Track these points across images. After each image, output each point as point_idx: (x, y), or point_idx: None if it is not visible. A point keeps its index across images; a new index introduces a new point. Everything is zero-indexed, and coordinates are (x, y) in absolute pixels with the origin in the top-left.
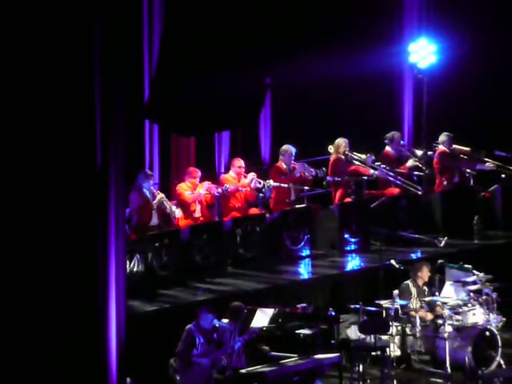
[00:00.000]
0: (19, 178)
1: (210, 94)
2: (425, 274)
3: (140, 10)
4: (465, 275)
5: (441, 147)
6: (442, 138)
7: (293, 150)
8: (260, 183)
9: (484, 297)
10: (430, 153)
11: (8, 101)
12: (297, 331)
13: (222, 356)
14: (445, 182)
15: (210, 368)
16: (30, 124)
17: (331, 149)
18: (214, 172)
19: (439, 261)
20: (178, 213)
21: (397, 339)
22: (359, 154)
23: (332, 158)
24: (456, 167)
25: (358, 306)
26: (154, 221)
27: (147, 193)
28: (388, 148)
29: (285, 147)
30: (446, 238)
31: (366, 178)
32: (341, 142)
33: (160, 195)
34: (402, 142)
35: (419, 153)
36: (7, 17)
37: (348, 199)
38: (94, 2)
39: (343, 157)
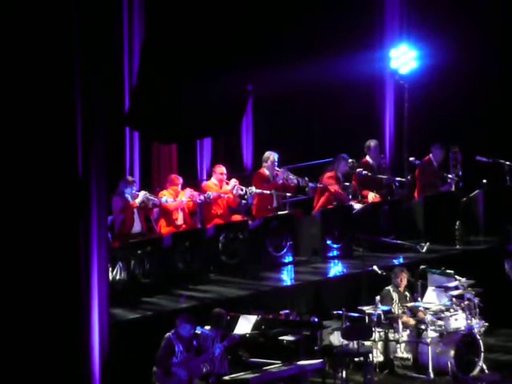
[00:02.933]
0: (1, 187)
1: (191, 102)
2: (400, 281)
3: (121, 19)
4: (447, 280)
5: (429, 156)
6: (433, 148)
7: (275, 156)
8: (242, 190)
9: (466, 302)
10: (411, 159)
11: None
12: (280, 338)
13: (201, 363)
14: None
15: (189, 376)
16: (11, 134)
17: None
18: (196, 179)
19: (421, 266)
20: (164, 200)
21: (379, 345)
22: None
23: (329, 173)
24: (435, 177)
25: (340, 312)
26: (137, 228)
27: (129, 198)
28: (367, 157)
29: (267, 154)
30: (427, 244)
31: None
32: (341, 163)
33: (142, 192)
34: (382, 155)
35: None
36: None
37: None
38: (75, 12)
39: (340, 175)
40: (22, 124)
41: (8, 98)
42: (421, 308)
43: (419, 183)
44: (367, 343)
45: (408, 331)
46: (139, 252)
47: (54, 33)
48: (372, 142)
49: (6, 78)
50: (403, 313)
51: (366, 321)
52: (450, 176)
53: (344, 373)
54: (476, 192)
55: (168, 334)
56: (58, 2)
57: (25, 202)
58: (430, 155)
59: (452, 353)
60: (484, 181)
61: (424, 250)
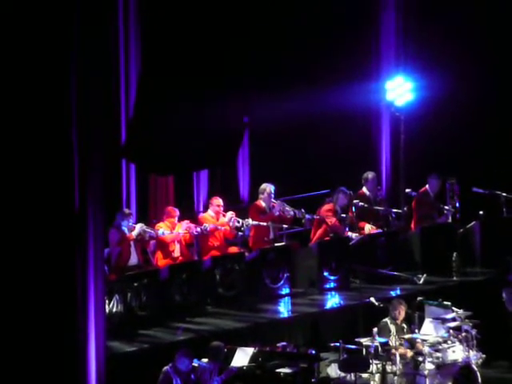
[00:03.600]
0: None
1: (188, 134)
2: (398, 313)
3: (117, 50)
4: (444, 312)
5: (426, 186)
6: (430, 178)
7: (271, 188)
8: (239, 222)
9: (463, 333)
10: (408, 190)
11: None
12: (277, 370)
13: None
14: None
15: None
16: (6, 164)
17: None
18: (193, 211)
19: (418, 298)
20: (161, 232)
21: (377, 377)
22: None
23: (327, 206)
24: (434, 207)
25: (338, 344)
26: (134, 260)
27: (126, 230)
28: (364, 188)
29: (263, 186)
30: (424, 275)
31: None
32: (340, 196)
33: (139, 224)
34: (378, 187)
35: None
36: None
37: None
38: (70, 42)
39: (338, 208)
40: (18, 155)
41: (1, 131)
42: (418, 340)
43: (416, 214)
44: (365, 375)
45: (405, 363)
46: (136, 284)
47: (50, 56)
48: (370, 174)
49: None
50: (401, 344)
51: (364, 353)
52: (446, 207)
53: None
54: (473, 223)
55: (165, 367)
56: (55, 21)
57: (21, 235)
58: (427, 186)
59: None
60: (481, 212)
61: (421, 282)
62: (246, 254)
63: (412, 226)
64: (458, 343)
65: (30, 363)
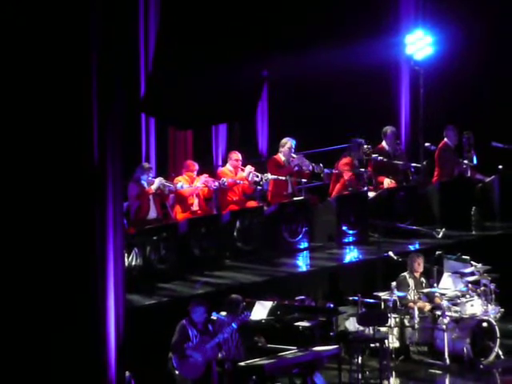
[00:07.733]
0: (16, 174)
1: (207, 87)
2: (417, 265)
3: (136, 4)
4: (463, 266)
5: (445, 140)
6: (447, 131)
7: (292, 142)
8: (257, 176)
9: (482, 288)
10: (427, 144)
11: (3, 96)
12: (295, 323)
13: (215, 345)
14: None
15: (204, 356)
16: (26, 119)
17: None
18: (212, 165)
19: (437, 252)
20: (180, 186)
21: (395, 331)
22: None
23: (344, 159)
24: (455, 161)
25: (356, 298)
26: (152, 214)
27: (145, 184)
28: (383, 143)
29: (284, 140)
30: (443, 230)
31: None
32: (357, 146)
33: (158, 178)
34: (397, 141)
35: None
36: (3, 14)
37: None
38: None
39: (356, 161)
40: (38, 112)
41: (22, 83)
42: (437, 294)
43: (439, 169)
44: (383, 329)
45: (424, 317)
46: (155, 238)
47: (71, 16)
48: (389, 129)
49: (21, 62)
50: (419, 298)
51: (382, 307)
52: (465, 161)
53: (360, 359)
54: (492, 178)
55: (182, 320)
56: None
57: (40, 189)
58: (445, 139)
59: (468, 339)
60: (500, 166)
61: (440, 236)
62: (265, 208)
63: (434, 180)
64: (476, 297)
65: (49, 318)
